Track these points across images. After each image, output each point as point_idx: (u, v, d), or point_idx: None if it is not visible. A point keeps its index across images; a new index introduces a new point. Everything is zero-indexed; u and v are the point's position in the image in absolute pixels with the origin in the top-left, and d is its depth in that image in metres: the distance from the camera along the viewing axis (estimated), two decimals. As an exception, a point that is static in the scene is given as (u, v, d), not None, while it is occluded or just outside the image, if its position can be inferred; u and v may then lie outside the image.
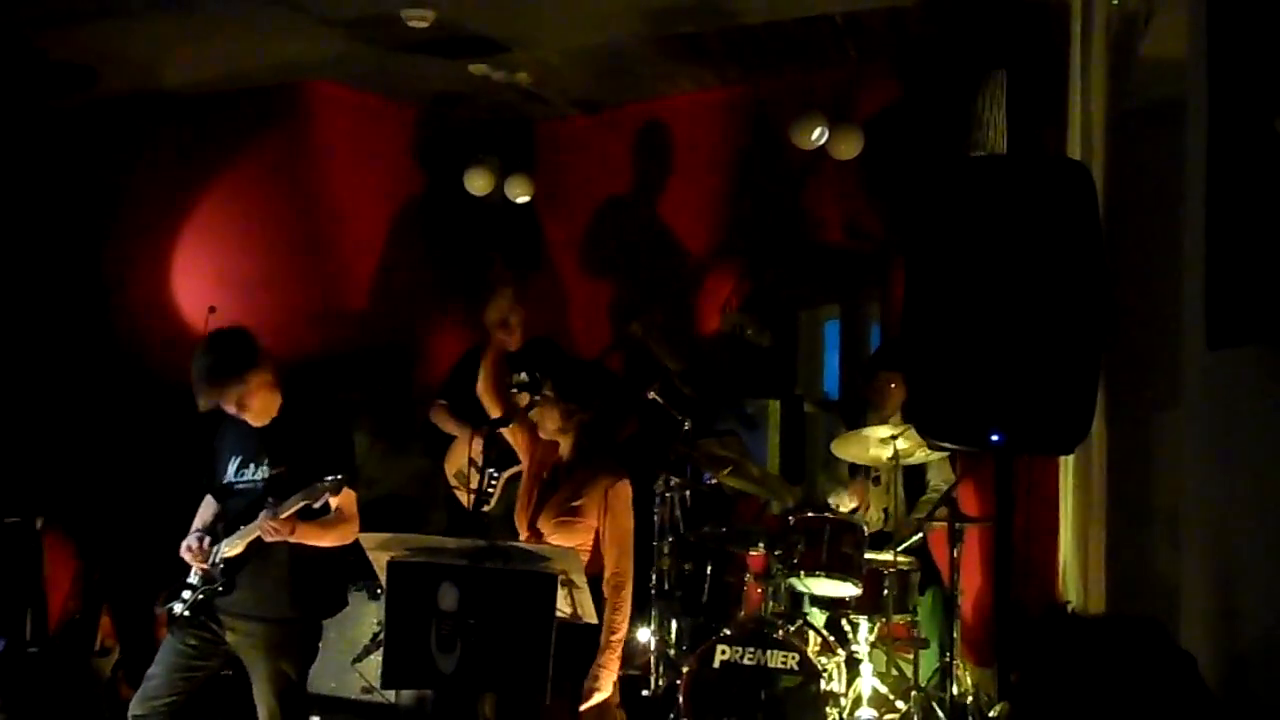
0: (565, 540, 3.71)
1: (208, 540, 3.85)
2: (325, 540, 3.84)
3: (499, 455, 4.89)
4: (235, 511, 3.88)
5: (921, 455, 5.04)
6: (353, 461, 3.99)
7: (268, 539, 3.71)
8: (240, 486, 3.91)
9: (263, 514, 3.68)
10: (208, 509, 4.03)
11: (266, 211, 6.58)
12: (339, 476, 3.72)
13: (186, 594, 3.85)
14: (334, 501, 3.82)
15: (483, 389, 4.01)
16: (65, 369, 6.03)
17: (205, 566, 3.82)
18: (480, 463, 4.44)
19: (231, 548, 3.80)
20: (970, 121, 5.40)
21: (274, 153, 6.59)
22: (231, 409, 3.81)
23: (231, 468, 3.94)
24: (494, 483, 5.36)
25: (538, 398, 3.81)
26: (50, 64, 5.82)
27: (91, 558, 5.72)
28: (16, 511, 5.42)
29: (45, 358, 5.96)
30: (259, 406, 3.84)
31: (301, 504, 3.68)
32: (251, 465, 3.90)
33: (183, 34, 5.57)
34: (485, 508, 5.39)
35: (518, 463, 4.22)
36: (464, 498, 5.50)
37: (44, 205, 6.14)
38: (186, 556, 3.85)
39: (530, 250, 7.47)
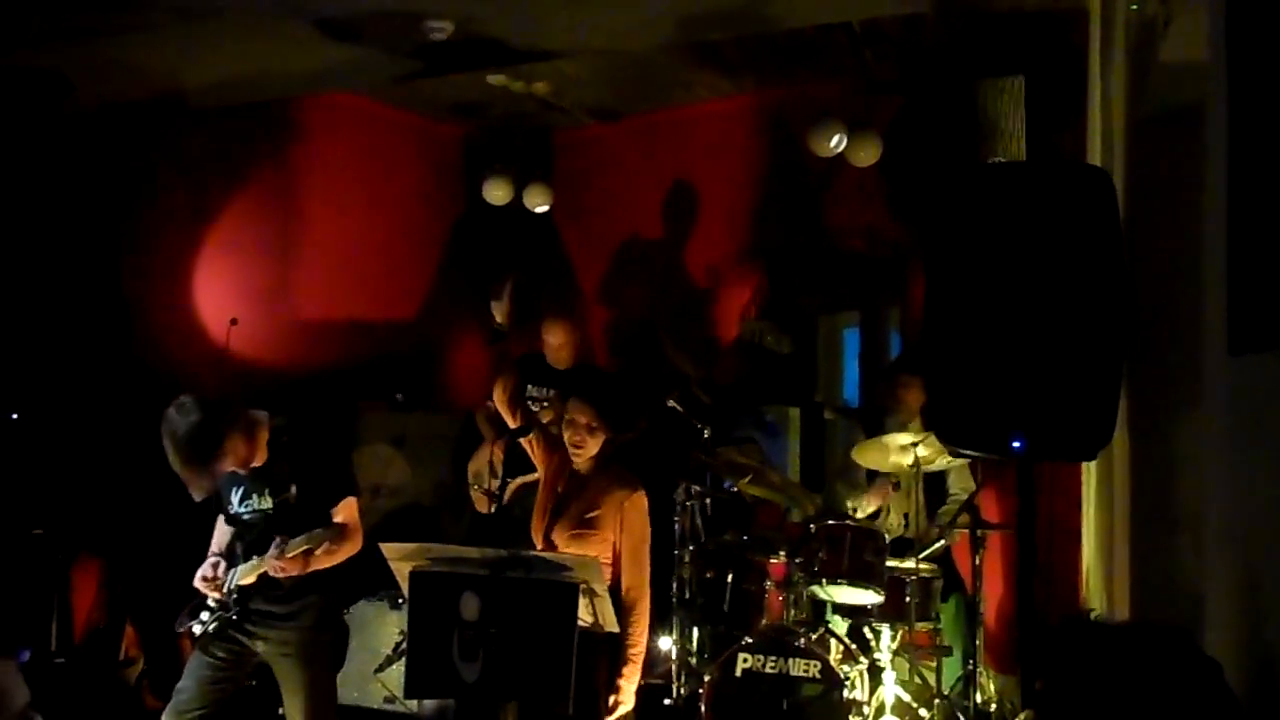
0: (580, 552, 3.71)
1: (222, 566, 3.89)
2: (335, 560, 3.88)
3: (512, 461, 4.94)
4: (248, 540, 3.92)
5: (943, 462, 5.02)
6: (350, 473, 4.04)
7: (277, 575, 3.75)
8: (248, 517, 3.94)
9: (271, 552, 3.71)
10: (222, 531, 4.07)
11: (285, 222, 6.62)
12: (337, 522, 3.79)
13: (205, 615, 3.89)
14: (337, 517, 3.85)
15: (499, 399, 4.05)
16: (87, 382, 6.07)
17: (220, 595, 3.86)
18: (499, 468, 4.48)
19: (244, 576, 3.84)
20: (989, 127, 5.39)
21: (292, 164, 6.64)
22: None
23: (235, 498, 3.96)
24: (505, 488, 5.42)
25: (593, 425, 3.80)
26: (69, 76, 5.87)
27: (116, 569, 5.75)
28: (42, 524, 5.46)
29: (67, 371, 5.99)
30: (239, 461, 3.80)
31: (305, 548, 3.72)
32: (254, 496, 3.92)
33: (202, 45, 5.60)
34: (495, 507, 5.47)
35: (530, 469, 4.24)
36: (477, 498, 5.61)
37: (65, 218, 6.18)
38: (201, 586, 3.88)
39: (550, 259, 7.51)
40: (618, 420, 3.82)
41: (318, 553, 3.75)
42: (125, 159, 6.42)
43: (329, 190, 6.77)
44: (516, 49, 5.81)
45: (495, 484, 5.47)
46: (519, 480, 5.23)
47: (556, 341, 5.79)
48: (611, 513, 3.77)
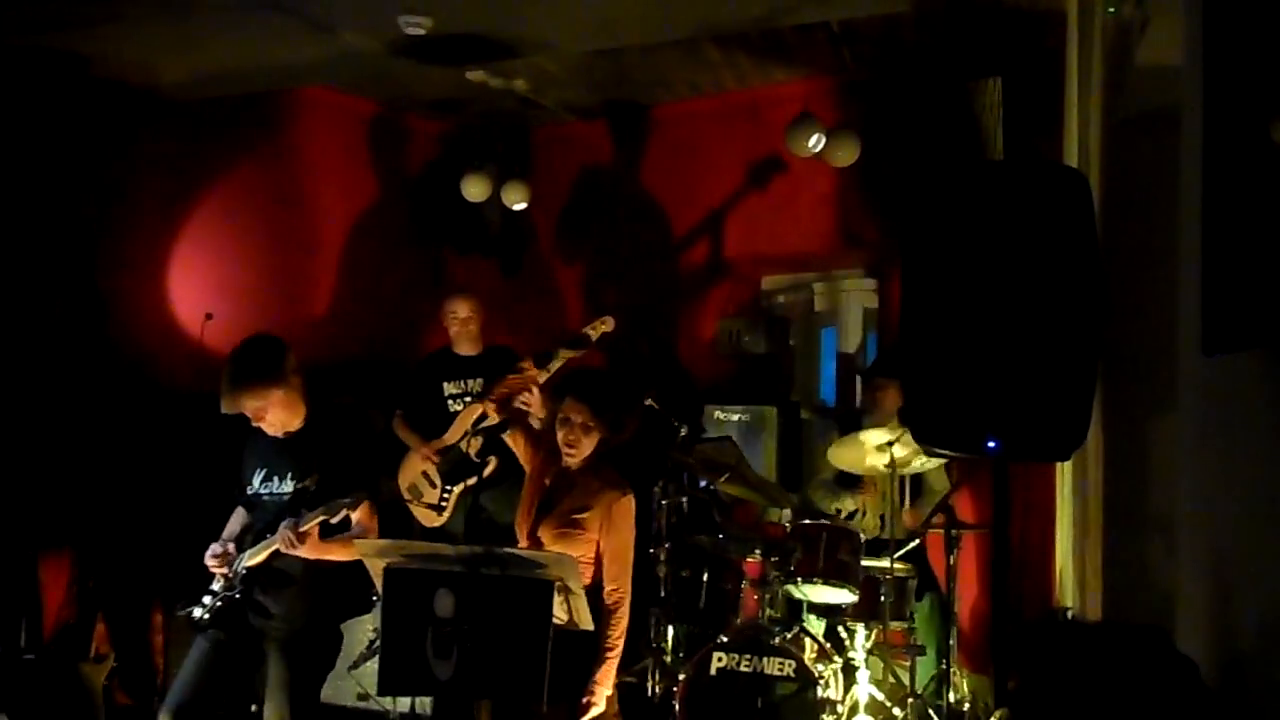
0: (565, 551, 3.69)
1: (231, 547, 3.92)
2: (346, 556, 3.85)
3: (452, 469, 4.86)
4: (261, 523, 3.92)
5: (919, 464, 5.04)
6: (375, 476, 4.03)
7: (285, 551, 3.74)
8: (266, 498, 3.95)
9: (283, 526, 3.71)
10: (237, 519, 4.09)
11: (262, 217, 6.58)
12: (359, 493, 3.76)
13: (207, 599, 3.90)
14: (354, 516, 3.84)
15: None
16: (60, 376, 6.02)
17: (227, 573, 3.87)
18: (436, 477, 4.34)
19: (253, 557, 3.85)
20: (967, 128, 5.41)
21: (269, 158, 6.59)
22: (250, 416, 3.86)
23: (257, 479, 3.99)
24: (446, 497, 5.33)
25: (589, 425, 3.76)
26: (47, 68, 5.82)
27: (86, 565, 5.71)
28: (12, 518, 5.41)
29: (41, 365, 5.94)
30: (275, 420, 3.89)
31: (321, 519, 3.71)
32: (276, 478, 3.94)
33: (179, 39, 5.56)
34: (440, 520, 5.38)
35: (474, 473, 4.16)
36: (420, 513, 5.49)
37: (39, 211, 6.12)
38: (211, 563, 3.90)
39: (525, 256, 7.50)
40: (614, 420, 3.79)
41: (333, 530, 3.75)
42: (101, 151, 6.37)
43: (305, 184, 6.73)
44: (493, 44, 5.79)
45: (436, 494, 5.36)
46: (459, 487, 5.18)
47: (464, 314, 5.64)
48: (599, 514, 3.74)
